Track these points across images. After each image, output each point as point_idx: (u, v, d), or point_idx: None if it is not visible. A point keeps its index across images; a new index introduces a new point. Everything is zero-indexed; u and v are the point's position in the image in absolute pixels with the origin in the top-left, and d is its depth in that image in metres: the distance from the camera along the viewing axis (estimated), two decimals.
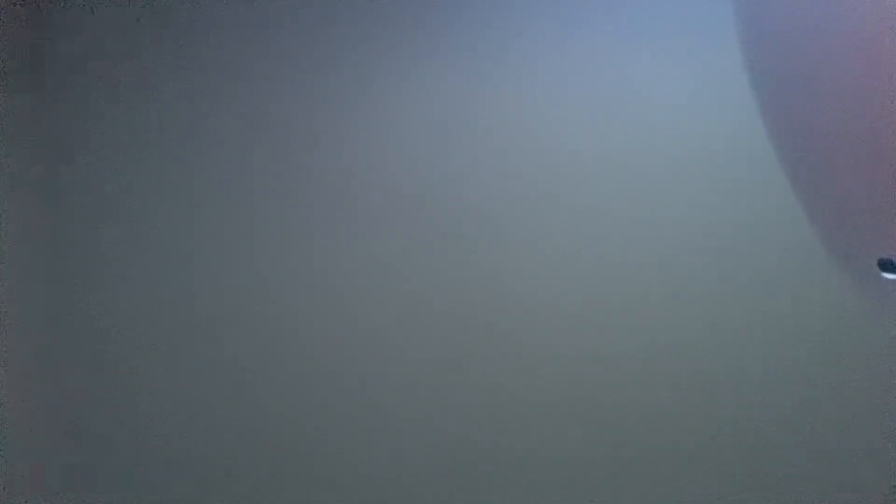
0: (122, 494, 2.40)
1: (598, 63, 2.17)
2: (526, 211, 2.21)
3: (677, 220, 2.13)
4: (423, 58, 2.26)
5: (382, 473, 2.27)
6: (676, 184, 2.13)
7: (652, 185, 2.15)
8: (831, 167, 1.14)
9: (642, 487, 2.15)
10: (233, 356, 2.36)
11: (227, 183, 2.36)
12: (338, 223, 2.31)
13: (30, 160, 2.36)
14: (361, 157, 2.30)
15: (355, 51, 2.30)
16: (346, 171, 2.31)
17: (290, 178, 2.33)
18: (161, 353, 2.39)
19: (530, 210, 2.21)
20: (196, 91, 2.37)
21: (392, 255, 2.27)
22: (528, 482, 2.18)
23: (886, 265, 1.14)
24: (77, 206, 2.42)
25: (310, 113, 2.32)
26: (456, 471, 2.22)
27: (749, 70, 1.25)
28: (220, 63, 2.36)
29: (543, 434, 2.18)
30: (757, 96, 1.26)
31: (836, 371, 2.05)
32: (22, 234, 2.32)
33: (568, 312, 2.18)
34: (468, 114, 2.24)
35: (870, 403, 2.03)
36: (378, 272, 2.28)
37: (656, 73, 2.13)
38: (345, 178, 2.32)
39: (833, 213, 1.20)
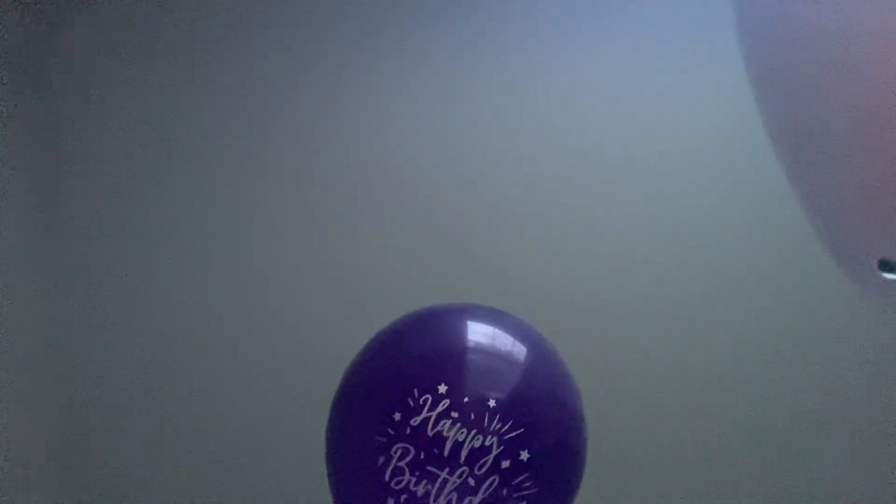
0: (124, 496, 2.39)
1: (598, 63, 2.17)
2: (526, 209, 2.21)
3: (676, 219, 2.13)
4: (424, 57, 2.26)
5: None
6: (676, 184, 2.13)
7: (651, 185, 2.15)
8: (831, 167, 1.13)
9: (639, 488, 2.14)
10: (236, 359, 2.34)
11: (229, 183, 2.35)
12: (340, 224, 2.30)
13: (30, 161, 2.35)
14: (363, 157, 2.30)
15: (357, 50, 2.29)
16: (348, 172, 2.31)
17: (293, 179, 2.32)
18: (163, 355, 2.38)
19: (530, 208, 2.21)
20: (197, 91, 2.36)
21: (393, 255, 2.27)
22: None
23: (886, 265, 1.14)
24: (78, 207, 2.42)
25: (312, 113, 2.31)
26: None
27: (749, 70, 1.25)
28: (222, 63, 2.35)
29: None
30: (757, 96, 1.26)
31: (836, 370, 2.05)
32: (21, 236, 2.31)
33: (567, 312, 2.18)
34: (468, 113, 2.24)
35: (870, 403, 2.03)
36: (379, 272, 2.28)
37: (656, 74, 2.13)
38: (346, 178, 2.31)
39: (833, 213, 1.20)
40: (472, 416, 1.20)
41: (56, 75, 2.39)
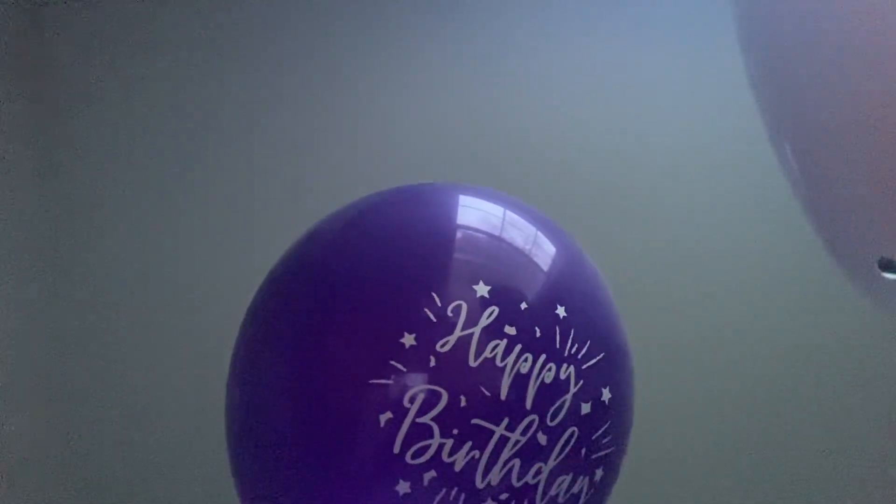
0: (122, 496, 2.38)
1: (597, 62, 2.17)
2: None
3: (676, 220, 2.13)
4: (424, 55, 2.26)
5: None
6: (676, 184, 2.13)
7: (651, 185, 2.15)
8: (831, 167, 1.14)
9: (636, 490, 2.14)
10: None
11: (227, 182, 2.35)
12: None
13: (30, 161, 2.35)
14: (362, 156, 2.30)
15: (356, 48, 2.29)
16: (347, 171, 2.31)
17: (292, 178, 2.32)
18: (162, 354, 2.37)
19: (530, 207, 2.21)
20: (196, 91, 2.36)
21: None
22: None
23: (886, 265, 1.14)
24: (77, 207, 2.42)
25: (311, 111, 2.31)
26: None
27: (749, 70, 1.25)
28: (221, 62, 2.35)
29: None
30: (757, 96, 1.26)
31: (836, 371, 2.05)
32: (21, 236, 2.31)
33: None
34: (466, 112, 2.24)
35: (870, 403, 2.03)
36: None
37: (655, 73, 2.14)
38: (346, 178, 2.31)
39: (833, 213, 1.20)
40: (538, 333, 0.71)
41: (54, 73, 2.39)
